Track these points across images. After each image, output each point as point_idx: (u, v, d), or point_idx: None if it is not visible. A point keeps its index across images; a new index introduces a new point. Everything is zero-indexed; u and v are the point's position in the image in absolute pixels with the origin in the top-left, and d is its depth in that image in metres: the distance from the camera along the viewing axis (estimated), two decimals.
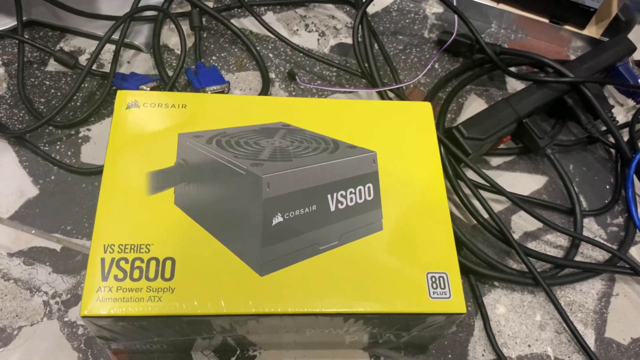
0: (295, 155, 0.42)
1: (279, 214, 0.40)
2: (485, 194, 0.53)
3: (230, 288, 0.37)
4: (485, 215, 0.51)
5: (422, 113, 0.46)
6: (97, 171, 0.51)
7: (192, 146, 0.42)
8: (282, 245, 0.39)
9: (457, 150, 0.52)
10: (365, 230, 0.41)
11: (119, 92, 0.44)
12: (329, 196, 0.41)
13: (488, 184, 0.52)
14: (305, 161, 0.41)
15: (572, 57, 0.65)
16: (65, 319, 0.45)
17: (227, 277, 0.37)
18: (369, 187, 0.43)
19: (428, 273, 0.39)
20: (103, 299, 0.36)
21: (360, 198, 0.42)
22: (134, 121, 0.43)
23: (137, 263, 0.37)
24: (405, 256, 0.40)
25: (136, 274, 0.37)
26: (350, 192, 0.42)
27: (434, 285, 0.39)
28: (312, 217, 0.40)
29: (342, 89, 0.59)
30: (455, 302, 0.39)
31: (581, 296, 0.51)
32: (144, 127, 0.43)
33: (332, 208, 0.41)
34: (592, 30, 0.64)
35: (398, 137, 0.45)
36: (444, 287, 0.39)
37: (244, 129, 0.44)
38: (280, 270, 0.38)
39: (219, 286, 0.37)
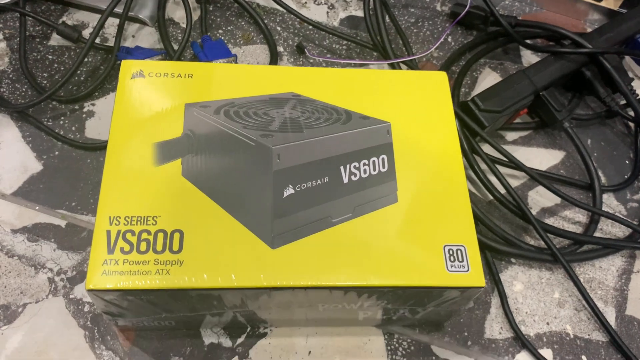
0: (307, 126, 0.41)
1: (290, 186, 0.38)
2: (501, 170, 0.52)
3: (241, 261, 0.36)
4: (502, 191, 0.50)
5: (437, 83, 0.45)
6: (102, 146, 0.50)
7: (199, 117, 0.41)
8: (294, 217, 0.38)
9: (473, 123, 0.50)
10: (379, 203, 0.40)
11: (123, 61, 0.43)
12: (341, 168, 0.40)
13: (506, 159, 0.50)
14: (317, 132, 0.40)
15: (589, 31, 0.63)
16: (71, 296, 0.44)
17: (237, 250, 0.36)
18: (383, 159, 0.41)
19: (445, 246, 0.38)
20: (109, 272, 0.35)
21: (374, 170, 0.41)
22: (139, 91, 0.41)
23: (144, 235, 0.36)
24: (421, 229, 0.39)
25: (143, 246, 0.36)
26: (364, 164, 0.41)
27: (452, 259, 0.38)
28: (325, 189, 0.39)
29: (353, 61, 0.57)
30: (474, 275, 0.37)
31: (601, 273, 0.49)
32: (150, 97, 0.41)
33: (345, 180, 0.40)
34: (610, 2, 0.62)
35: (413, 107, 0.43)
36: (462, 260, 0.38)
37: (253, 99, 0.43)
38: (293, 243, 0.37)
39: (230, 259, 0.36)
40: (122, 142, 0.39)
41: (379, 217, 0.39)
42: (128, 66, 0.42)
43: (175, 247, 0.36)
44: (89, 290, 0.34)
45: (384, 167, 0.41)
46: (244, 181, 0.38)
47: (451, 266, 0.37)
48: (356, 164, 0.40)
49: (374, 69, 0.50)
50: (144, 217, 0.37)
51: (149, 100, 0.41)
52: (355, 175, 0.40)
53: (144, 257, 0.35)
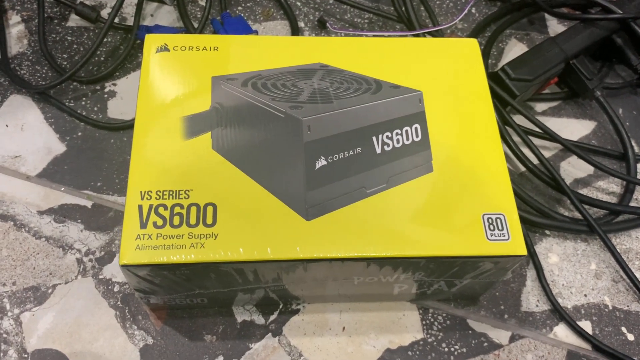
0: (336, 96, 0.40)
1: (322, 157, 0.37)
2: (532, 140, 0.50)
3: (276, 234, 0.35)
4: (535, 162, 0.49)
5: (468, 50, 0.44)
6: (125, 126, 0.49)
7: (226, 89, 0.40)
8: (328, 189, 0.37)
9: (503, 93, 0.49)
10: (414, 172, 0.39)
11: (147, 36, 0.42)
12: (373, 138, 0.39)
13: (538, 129, 0.49)
14: (347, 103, 0.39)
15: None
16: (100, 277, 0.43)
17: (272, 222, 0.35)
18: (416, 128, 0.40)
19: (484, 215, 0.37)
20: (143, 246, 0.34)
21: (408, 139, 0.40)
22: (164, 65, 0.41)
23: (177, 209, 0.35)
24: (458, 198, 0.38)
25: (176, 220, 0.35)
26: (397, 134, 0.39)
27: (491, 227, 0.37)
28: (358, 159, 0.38)
29: (377, 33, 0.55)
30: (515, 243, 0.36)
31: (638, 243, 0.48)
32: (175, 71, 0.40)
33: (378, 150, 0.39)
34: None
35: (444, 75, 0.42)
36: (502, 229, 0.37)
37: (280, 70, 0.42)
38: (328, 214, 0.36)
39: (265, 232, 0.35)
40: (150, 117, 0.38)
41: (414, 187, 0.38)
42: (152, 40, 0.42)
43: (209, 221, 0.35)
44: (123, 266, 0.34)
45: (417, 137, 0.40)
46: (275, 153, 0.38)
47: (491, 235, 0.36)
48: (389, 133, 0.39)
49: (404, 37, 0.49)
50: (176, 191, 0.36)
51: (174, 74, 0.40)
52: (388, 145, 0.39)
53: (178, 231, 0.35)
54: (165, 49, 0.41)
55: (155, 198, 0.35)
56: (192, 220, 0.35)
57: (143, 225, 0.35)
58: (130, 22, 0.55)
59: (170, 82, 0.40)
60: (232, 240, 0.34)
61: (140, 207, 0.35)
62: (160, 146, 0.37)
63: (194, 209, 0.35)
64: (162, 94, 0.39)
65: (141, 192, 0.36)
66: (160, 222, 0.35)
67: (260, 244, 0.35)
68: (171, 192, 0.36)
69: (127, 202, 0.35)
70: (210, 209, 0.35)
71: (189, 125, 0.38)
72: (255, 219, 0.35)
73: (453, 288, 0.41)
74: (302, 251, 0.35)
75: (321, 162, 0.37)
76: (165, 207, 0.35)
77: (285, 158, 0.37)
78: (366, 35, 0.55)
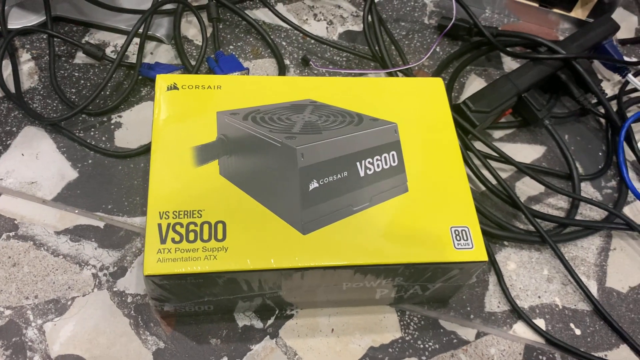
0: (324, 128, 0.46)
1: (315, 180, 0.44)
2: (491, 164, 0.58)
3: (277, 246, 0.41)
4: (493, 182, 0.56)
5: (434, 87, 0.51)
6: (132, 154, 0.55)
7: (230, 123, 0.46)
8: (320, 207, 0.43)
9: (465, 123, 0.56)
10: (392, 192, 0.45)
11: (158, 76, 0.48)
12: (357, 163, 0.45)
13: (496, 154, 0.56)
14: (334, 133, 0.46)
15: (561, 38, 0.70)
16: (115, 289, 0.48)
17: (274, 236, 0.41)
18: (392, 155, 0.47)
19: (452, 227, 0.44)
20: (163, 259, 0.40)
21: (386, 164, 0.46)
22: (174, 102, 0.47)
23: (192, 227, 0.41)
24: (430, 214, 0.44)
25: (191, 236, 0.41)
26: (377, 159, 0.46)
27: (458, 238, 0.43)
28: (344, 182, 0.45)
29: (354, 71, 0.63)
30: (478, 251, 0.43)
31: (582, 251, 0.56)
32: (185, 107, 0.46)
33: (362, 174, 0.45)
34: (579, 12, 0.69)
35: (415, 109, 0.49)
36: (467, 239, 0.44)
37: (276, 106, 0.48)
38: (321, 229, 0.42)
39: (268, 245, 0.41)
40: (164, 148, 0.44)
41: (393, 205, 0.44)
42: (163, 80, 0.48)
43: (220, 236, 0.41)
44: (147, 276, 0.39)
45: (394, 162, 0.47)
46: (274, 177, 0.44)
47: (458, 244, 0.43)
48: (370, 159, 0.46)
49: (378, 77, 0.56)
50: (190, 211, 0.42)
51: (184, 109, 0.46)
52: (370, 169, 0.46)
53: (193, 245, 0.40)
54: (174, 87, 0.47)
55: (172, 217, 0.41)
56: (205, 236, 0.41)
57: (163, 241, 0.40)
58: (131, 59, 0.61)
59: (180, 116, 0.46)
60: (240, 252, 0.40)
61: (159, 225, 0.41)
62: (174, 173, 0.43)
63: (206, 226, 0.41)
64: (174, 127, 0.45)
65: (160, 212, 0.41)
66: (177, 238, 0.40)
67: (264, 255, 0.41)
68: (186, 212, 0.42)
69: (148, 221, 0.41)
70: (220, 226, 0.41)
71: (198, 154, 0.44)
72: (259, 233, 0.41)
73: (426, 292, 0.48)
74: (300, 261, 0.41)
75: (314, 185, 0.44)
76: (182, 225, 0.41)
77: (283, 181, 0.44)
78: (346, 72, 0.63)
